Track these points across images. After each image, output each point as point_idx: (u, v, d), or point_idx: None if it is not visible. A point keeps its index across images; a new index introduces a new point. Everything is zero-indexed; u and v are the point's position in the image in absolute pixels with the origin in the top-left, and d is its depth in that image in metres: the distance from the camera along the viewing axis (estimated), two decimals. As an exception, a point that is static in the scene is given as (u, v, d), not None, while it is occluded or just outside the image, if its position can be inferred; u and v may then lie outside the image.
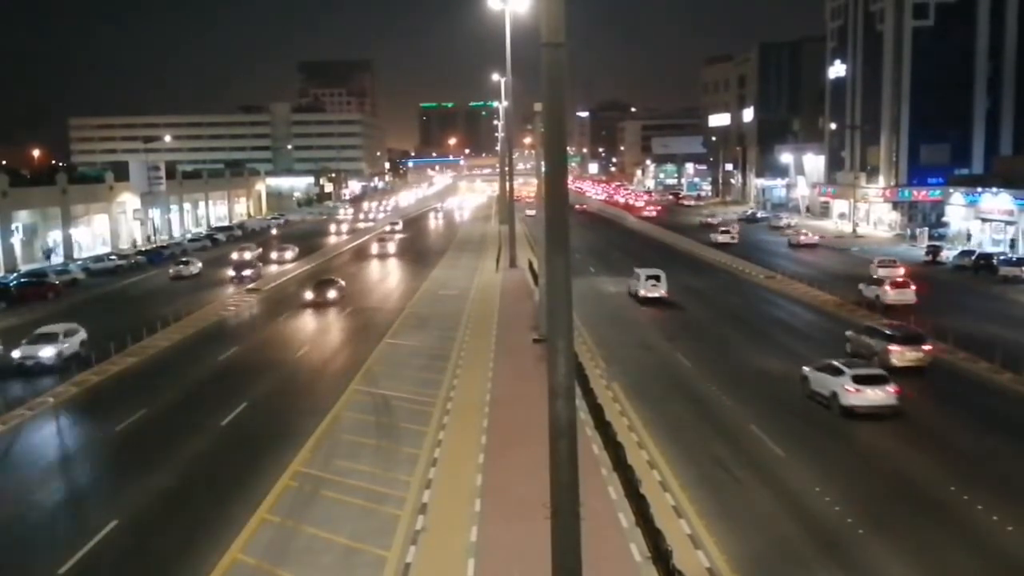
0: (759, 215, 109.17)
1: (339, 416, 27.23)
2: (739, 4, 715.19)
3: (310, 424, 26.33)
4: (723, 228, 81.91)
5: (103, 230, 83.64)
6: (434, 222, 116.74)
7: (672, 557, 15.76)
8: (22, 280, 55.99)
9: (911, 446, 23.93)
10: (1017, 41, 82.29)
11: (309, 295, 49.73)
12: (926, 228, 77.56)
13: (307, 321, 45.32)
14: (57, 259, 71.90)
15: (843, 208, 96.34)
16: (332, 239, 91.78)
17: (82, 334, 37.51)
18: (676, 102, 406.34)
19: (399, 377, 31.91)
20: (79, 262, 68.50)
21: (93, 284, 60.15)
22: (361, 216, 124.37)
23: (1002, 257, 58.00)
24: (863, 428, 25.29)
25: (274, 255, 70.91)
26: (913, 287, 45.57)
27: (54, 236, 75.16)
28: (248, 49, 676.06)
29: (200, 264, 65.38)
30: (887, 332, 32.52)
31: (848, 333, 35.14)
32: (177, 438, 25.95)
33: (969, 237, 71.18)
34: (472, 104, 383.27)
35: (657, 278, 48.18)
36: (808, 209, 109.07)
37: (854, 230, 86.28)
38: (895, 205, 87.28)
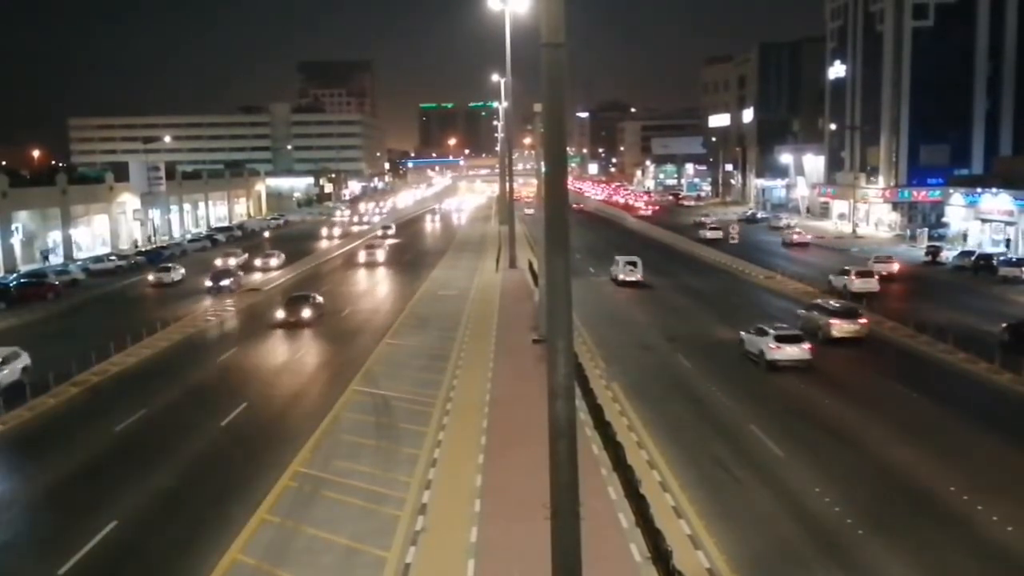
0: (759, 216, 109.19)
1: (339, 416, 27.23)
2: (739, 4, 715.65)
3: (309, 425, 26.32)
4: (712, 226, 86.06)
5: (103, 230, 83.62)
6: (430, 225, 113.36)
7: (672, 557, 15.77)
8: (22, 281, 55.99)
9: (816, 388, 29.87)
10: (1017, 41, 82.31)
11: (280, 314, 43.86)
12: (926, 229, 77.58)
13: (269, 352, 37.76)
14: (57, 259, 71.91)
15: (843, 209, 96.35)
16: (323, 243, 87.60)
17: (24, 359, 32.60)
18: (676, 102, 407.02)
19: (399, 377, 31.90)
20: (79, 263, 68.50)
21: (93, 285, 60.12)
22: (357, 218, 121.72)
23: (1002, 257, 58.05)
24: (782, 377, 31.24)
25: (258, 262, 66.86)
26: (876, 277, 49.73)
27: (53, 237, 75.13)
28: (248, 49, 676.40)
29: (183, 270, 61.27)
30: (828, 308, 37.79)
31: (799, 311, 39.78)
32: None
33: (965, 237, 71.30)
34: (472, 105, 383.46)
35: (634, 264, 54.26)
36: (808, 210, 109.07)
37: (854, 231, 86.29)
38: (895, 206, 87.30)
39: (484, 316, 43.77)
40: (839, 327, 36.31)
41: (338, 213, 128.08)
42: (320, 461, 23.17)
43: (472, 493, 20.33)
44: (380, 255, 68.81)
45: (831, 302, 39.85)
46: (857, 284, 47.92)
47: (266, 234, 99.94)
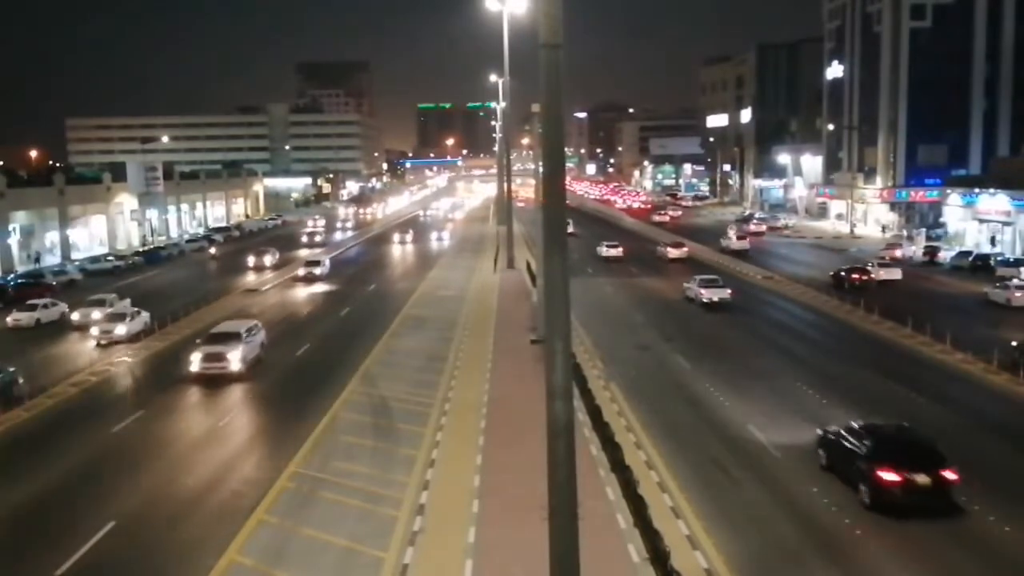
0: (756, 216, 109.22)
1: (337, 417, 27.20)
2: (737, 5, 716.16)
3: (307, 427, 26.31)
4: (666, 213, 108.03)
5: (100, 231, 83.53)
6: (399, 248, 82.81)
7: (670, 558, 15.76)
8: (19, 281, 55.92)
9: (728, 318, 42.74)
10: (1014, 42, 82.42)
11: (195, 363, 31.74)
12: (923, 229, 77.65)
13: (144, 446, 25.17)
14: (53, 260, 71.79)
15: (840, 209, 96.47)
16: (251, 276, 62.72)
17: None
18: (674, 103, 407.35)
19: (397, 378, 31.86)
20: (76, 263, 68.42)
21: (91, 285, 59.98)
22: (337, 224, 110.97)
23: (999, 258, 58.13)
24: (710, 312, 44.29)
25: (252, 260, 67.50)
26: (747, 239, 74.05)
27: (51, 238, 75.03)
28: (246, 50, 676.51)
29: (62, 307, 45.74)
30: (699, 278, 48.65)
31: (685, 284, 49.41)
32: None
33: (944, 234, 71.93)
34: (470, 105, 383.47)
35: (616, 244, 70.04)
36: (806, 210, 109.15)
37: (851, 231, 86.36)
38: (892, 206, 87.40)
39: (482, 317, 43.73)
40: (708, 296, 46.51)
41: (310, 223, 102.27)
42: (318, 462, 23.14)
43: (470, 494, 20.31)
44: (233, 360, 32.00)
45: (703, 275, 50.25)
46: (736, 244, 72.18)
47: (212, 250, 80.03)
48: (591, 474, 20.60)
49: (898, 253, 64.05)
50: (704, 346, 36.91)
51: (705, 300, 45.64)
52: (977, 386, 29.73)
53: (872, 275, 51.91)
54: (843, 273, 52.22)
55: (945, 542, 17.89)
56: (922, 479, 18.27)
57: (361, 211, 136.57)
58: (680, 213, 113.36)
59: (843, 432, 20.65)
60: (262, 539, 18.48)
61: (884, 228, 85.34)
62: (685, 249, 67.50)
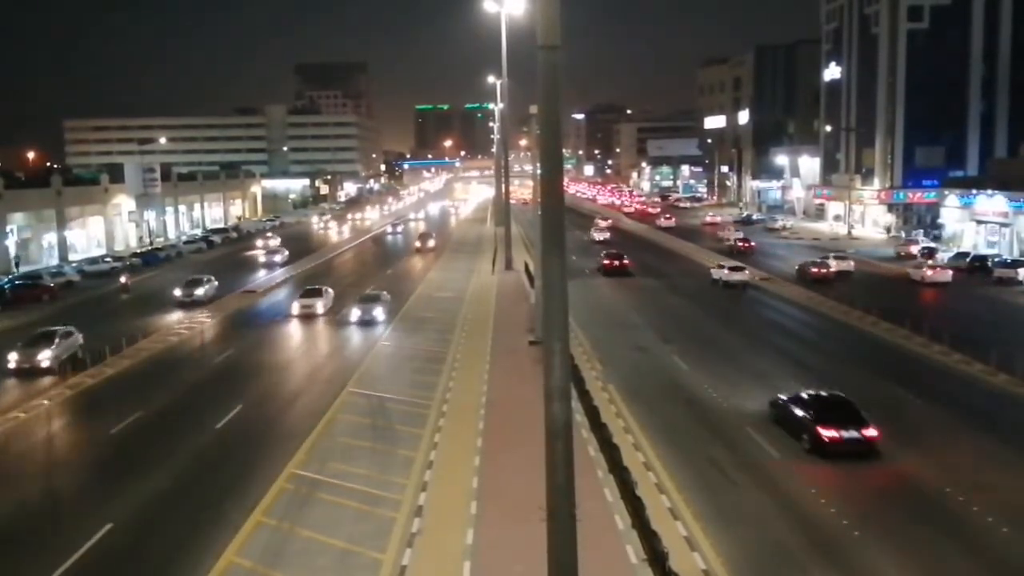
0: (754, 217, 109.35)
1: (334, 418, 27.18)
2: (735, 7, 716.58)
3: (305, 427, 26.28)
4: (665, 216, 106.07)
5: (98, 232, 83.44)
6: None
7: (668, 559, 15.77)
8: (16, 283, 55.83)
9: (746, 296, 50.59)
10: (1012, 43, 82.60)
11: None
12: (921, 230, 77.70)
13: None
14: (52, 261, 71.75)
15: (838, 210, 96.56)
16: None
17: None
18: (672, 104, 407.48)
19: (395, 379, 31.86)
20: (74, 264, 68.35)
21: (88, 286, 59.98)
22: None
23: (997, 259, 58.21)
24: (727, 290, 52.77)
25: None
26: (753, 242, 74.25)
27: (48, 239, 74.95)
28: (244, 51, 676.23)
29: (78, 339, 37.16)
30: (720, 264, 56.66)
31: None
32: None
33: (941, 235, 72.37)
34: (468, 106, 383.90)
35: (600, 225, 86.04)
36: (804, 211, 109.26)
37: (849, 232, 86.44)
38: (890, 207, 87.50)
39: (480, 318, 43.73)
40: (726, 273, 54.43)
41: (269, 239, 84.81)
42: (316, 463, 23.13)
43: (468, 495, 20.30)
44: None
45: (723, 261, 59.06)
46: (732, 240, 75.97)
47: (123, 278, 59.92)
48: (589, 475, 20.61)
49: (914, 250, 66.74)
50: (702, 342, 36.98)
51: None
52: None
53: (830, 268, 56.58)
54: (806, 267, 57.04)
55: (862, 473, 22.13)
56: (850, 434, 22.93)
57: (345, 218, 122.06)
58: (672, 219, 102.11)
59: (792, 398, 25.33)
60: (260, 540, 18.47)
61: (888, 229, 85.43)
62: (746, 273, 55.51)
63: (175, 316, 47.00)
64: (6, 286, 54.59)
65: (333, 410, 28.05)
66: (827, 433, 22.84)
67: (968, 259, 59.19)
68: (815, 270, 55.44)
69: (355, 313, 44.05)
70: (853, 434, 22.85)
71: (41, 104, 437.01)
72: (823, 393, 25.30)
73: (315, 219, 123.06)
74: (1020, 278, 52.22)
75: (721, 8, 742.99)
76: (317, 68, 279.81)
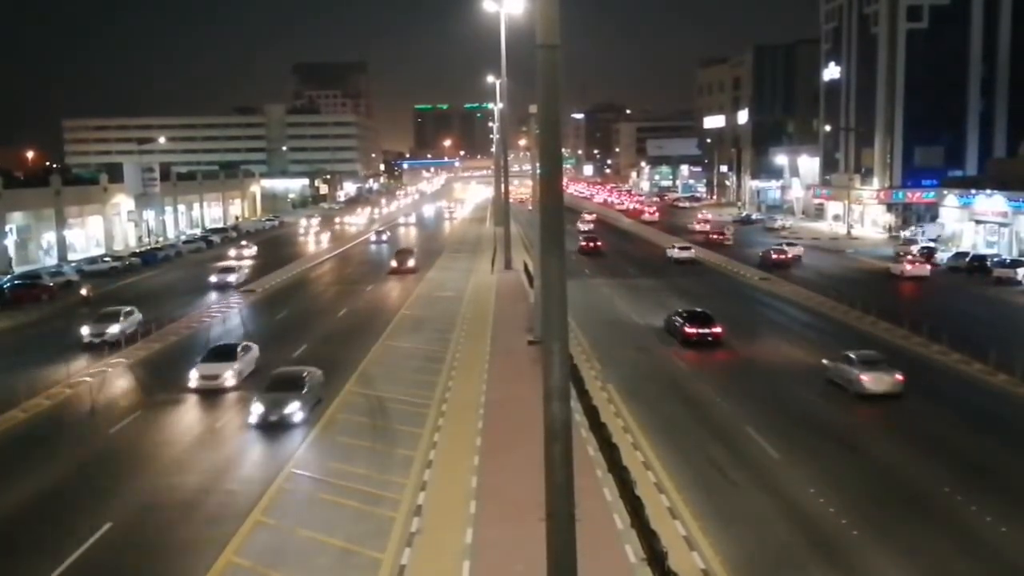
0: (754, 217, 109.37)
1: (334, 418, 27.16)
2: (734, 6, 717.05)
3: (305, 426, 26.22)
4: (650, 210, 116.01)
5: (97, 232, 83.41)
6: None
7: (667, 559, 15.76)
8: (15, 282, 55.78)
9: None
10: (1011, 43, 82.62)
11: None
12: (922, 229, 77.72)
13: None
14: (51, 261, 71.70)
15: (837, 210, 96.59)
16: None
17: None
18: (671, 104, 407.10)
19: (394, 379, 31.84)
20: (73, 264, 68.31)
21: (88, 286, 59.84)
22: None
23: (996, 259, 58.24)
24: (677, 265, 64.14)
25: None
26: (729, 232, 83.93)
27: (47, 238, 74.92)
28: (243, 51, 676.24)
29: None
30: (673, 244, 69.77)
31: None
32: None
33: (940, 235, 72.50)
34: (467, 106, 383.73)
35: (585, 219, 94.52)
36: (803, 211, 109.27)
37: (848, 232, 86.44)
38: (889, 207, 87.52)
39: (480, 317, 43.74)
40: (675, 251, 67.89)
41: (244, 246, 79.24)
42: (315, 463, 23.12)
43: (467, 495, 20.30)
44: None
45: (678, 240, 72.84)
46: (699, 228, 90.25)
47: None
48: (588, 475, 20.61)
49: (914, 249, 66.84)
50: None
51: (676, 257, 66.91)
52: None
53: (787, 254, 65.12)
54: (767, 253, 65.71)
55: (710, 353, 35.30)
56: (703, 331, 36.74)
57: (335, 220, 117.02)
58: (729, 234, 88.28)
59: (675, 313, 39.26)
60: (259, 540, 18.46)
61: (891, 229, 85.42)
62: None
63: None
64: (5, 286, 54.55)
65: (332, 410, 27.93)
66: (690, 330, 36.76)
67: (967, 259, 59.21)
68: (775, 256, 64.12)
69: (257, 409, 26.54)
70: (705, 331, 36.73)
71: (41, 104, 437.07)
72: (694, 309, 39.33)
73: (303, 222, 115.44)
74: (1019, 278, 52.22)
75: (721, 8, 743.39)
76: (316, 68, 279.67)
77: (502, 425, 25.45)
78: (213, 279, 57.51)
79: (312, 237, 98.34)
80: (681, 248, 68.22)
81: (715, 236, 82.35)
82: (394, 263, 63.83)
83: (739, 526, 18.89)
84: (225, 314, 47.77)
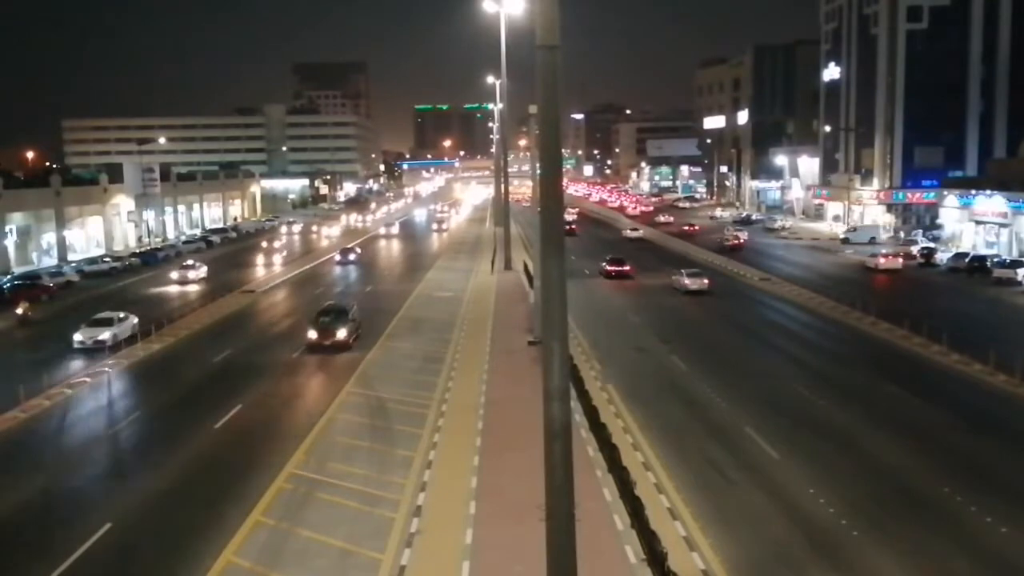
0: (754, 217, 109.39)
1: (333, 418, 27.16)
2: (734, 7, 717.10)
3: (304, 426, 26.22)
4: (634, 207, 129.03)
5: (97, 232, 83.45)
6: None
7: (667, 559, 15.76)
8: (15, 282, 55.77)
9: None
10: (1010, 44, 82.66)
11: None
12: (920, 230, 77.71)
13: None
14: (50, 261, 71.66)
15: (837, 210, 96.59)
16: None
17: None
18: (671, 105, 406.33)
19: (394, 379, 31.84)
20: (73, 264, 68.31)
21: (88, 286, 59.94)
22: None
23: (996, 259, 58.25)
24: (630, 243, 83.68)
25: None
26: (697, 226, 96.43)
27: (47, 239, 74.90)
28: (243, 51, 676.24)
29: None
30: (629, 227, 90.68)
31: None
32: None
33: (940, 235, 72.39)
34: (467, 106, 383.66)
35: (569, 211, 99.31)
36: (803, 211, 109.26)
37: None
38: (889, 207, 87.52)
39: (479, 318, 43.74)
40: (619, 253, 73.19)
41: (190, 266, 63.50)
42: (315, 463, 23.12)
43: (467, 495, 20.30)
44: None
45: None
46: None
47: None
48: (588, 475, 20.60)
49: (914, 250, 68.22)
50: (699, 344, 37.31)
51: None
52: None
53: (740, 240, 77.86)
54: (722, 239, 78.79)
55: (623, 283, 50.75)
56: (619, 269, 58.05)
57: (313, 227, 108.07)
58: (651, 209, 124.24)
59: (604, 259, 59.85)
60: (259, 540, 18.45)
61: (893, 229, 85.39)
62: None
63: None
64: (5, 286, 54.54)
65: (332, 410, 27.90)
66: (609, 268, 58.23)
67: (967, 259, 59.23)
68: (729, 242, 77.18)
69: (77, 337, 37.10)
70: (620, 268, 57.84)
71: (40, 104, 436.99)
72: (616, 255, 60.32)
73: (284, 229, 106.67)
74: (1019, 278, 52.23)
75: (720, 8, 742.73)
76: (316, 68, 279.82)
77: (502, 425, 25.45)
78: (79, 337, 38.49)
79: (283, 243, 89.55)
80: (632, 228, 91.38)
81: (688, 228, 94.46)
82: (313, 333, 37.77)
83: (739, 526, 18.88)
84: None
